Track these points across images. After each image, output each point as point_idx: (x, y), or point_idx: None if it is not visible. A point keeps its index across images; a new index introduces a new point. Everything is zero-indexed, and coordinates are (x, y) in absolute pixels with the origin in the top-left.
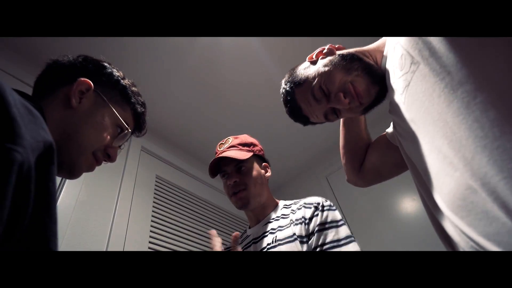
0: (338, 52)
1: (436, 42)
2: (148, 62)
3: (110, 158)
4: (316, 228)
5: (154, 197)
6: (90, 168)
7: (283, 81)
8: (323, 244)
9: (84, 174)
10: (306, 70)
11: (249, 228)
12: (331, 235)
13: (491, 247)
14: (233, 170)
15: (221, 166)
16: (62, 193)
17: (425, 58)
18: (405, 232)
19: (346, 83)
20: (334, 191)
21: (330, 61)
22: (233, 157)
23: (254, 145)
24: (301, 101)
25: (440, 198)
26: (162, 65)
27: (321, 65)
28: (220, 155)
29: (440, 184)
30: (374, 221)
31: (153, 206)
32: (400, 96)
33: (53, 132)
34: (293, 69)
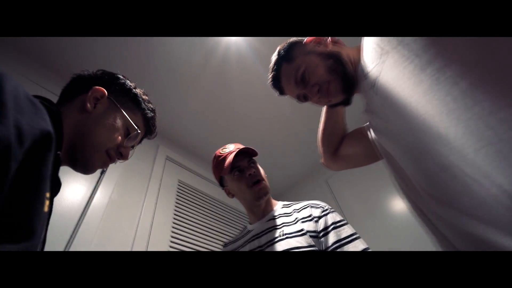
0: (330, 49)
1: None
2: (173, 87)
3: (123, 156)
4: (331, 226)
5: (176, 199)
6: (104, 165)
7: (279, 48)
8: (339, 240)
9: (117, 178)
10: (300, 51)
11: (250, 224)
12: (344, 231)
13: (477, 224)
14: (247, 165)
15: (234, 163)
16: (97, 192)
17: (393, 47)
18: (401, 231)
19: (324, 81)
20: (335, 194)
21: (321, 54)
22: (253, 149)
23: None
24: (283, 75)
25: (418, 185)
26: (184, 88)
27: (314, 54)
28: (242, 148)
29: (416, 169)
30: (371, 222)
31: (175, 206)
32: (372, 90)
33: (70, 132)
34: (292, 42)
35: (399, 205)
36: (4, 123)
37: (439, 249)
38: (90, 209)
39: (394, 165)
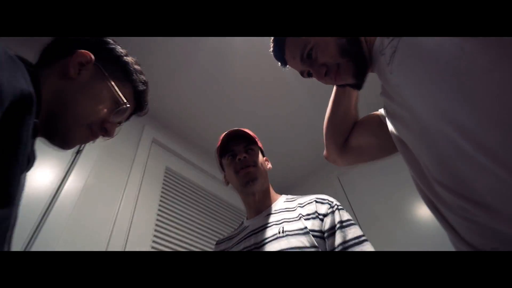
0: None
1: None
2: (162, 60)
3: (107, 132)
4: (337, 226)
5: (163, 188)
6: (86, 141)
7: None
8: (345, 241)
9: (95, 160)
10: None
11: (247, 219)
12: (351, 232)
13: (487, 213)
14: (242, 150)
15: (230, 146)
16: (71, 175)
17: None
18: (416, 232)
19: (334, 63)
20: (346, 191)
21: None
22: (248, 132)
23: (258, 140)
24: (288, 47)
25: (430, 174)
26: (175, 63)
27: None
28: (235, 129)
29: (428, 156)
30: (385, 221)
31: (161, 197)
32: (387, 67)
33: (50, 100)
34: None
35: (415, 204)
36: None
37: (452, 244)
38: (60, 196)
39: (408, 154)
